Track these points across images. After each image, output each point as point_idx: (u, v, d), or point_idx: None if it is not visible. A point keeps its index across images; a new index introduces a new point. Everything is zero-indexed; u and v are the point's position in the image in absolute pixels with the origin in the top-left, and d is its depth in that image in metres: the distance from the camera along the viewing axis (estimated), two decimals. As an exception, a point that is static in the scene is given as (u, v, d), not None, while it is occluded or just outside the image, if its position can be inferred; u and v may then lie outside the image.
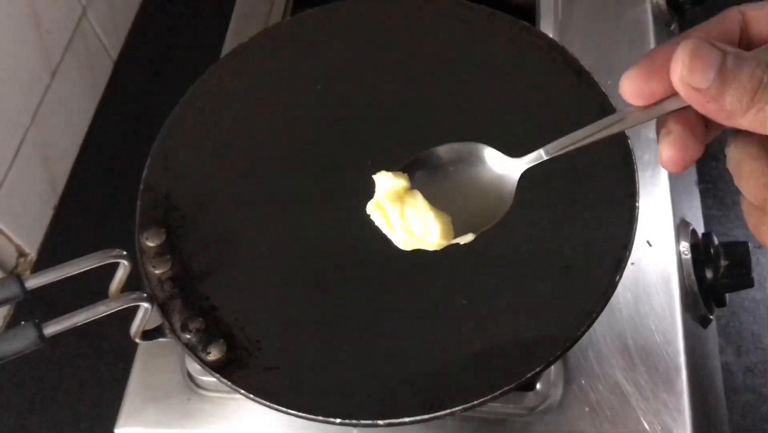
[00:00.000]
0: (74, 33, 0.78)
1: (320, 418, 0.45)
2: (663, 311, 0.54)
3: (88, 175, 0.78)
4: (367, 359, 0.47)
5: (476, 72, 0.58)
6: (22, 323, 0.42)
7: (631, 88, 0.31)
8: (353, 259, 0.51)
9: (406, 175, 0.38)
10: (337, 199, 0.53)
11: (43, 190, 0.75)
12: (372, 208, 0.39)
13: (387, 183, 0.38)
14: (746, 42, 0.32)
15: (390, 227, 0.38)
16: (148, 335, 0.49)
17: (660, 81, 0.31)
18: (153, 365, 0.56)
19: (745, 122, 0.29)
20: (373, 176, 0.39)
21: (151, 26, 0.89)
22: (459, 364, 0.46)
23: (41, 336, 0.41)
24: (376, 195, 0.38)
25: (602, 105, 0.53)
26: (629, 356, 0.52)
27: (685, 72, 0.29)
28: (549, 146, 0.35)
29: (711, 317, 0.58)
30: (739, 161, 0.31)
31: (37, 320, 0.42)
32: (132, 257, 0.46)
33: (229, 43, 0.71)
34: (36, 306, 0.65)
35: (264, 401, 0.45)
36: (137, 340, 0.48)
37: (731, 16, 0.31)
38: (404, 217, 0.38)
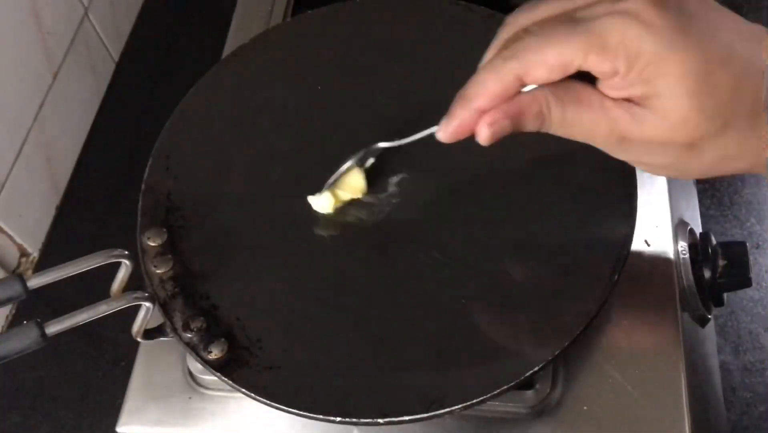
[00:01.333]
0: (76, 34, 0.78)
1: (320, 417, 0.45)
2: (661, 311, 0.54)
3: (90, 176, 0.79)
4: (367, 358, 0.47)
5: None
6: (24, 322, 0.42)
7: (448, 138, 0.40)
8: (354, 258, 0.51)
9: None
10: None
11: (45, 191, 0.75)
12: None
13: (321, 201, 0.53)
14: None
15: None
16: (150, 334, 0.49)
17: (466, 132, 0.40)
18: (154, 364, 0.56)
19: (554, 131, 0.38)
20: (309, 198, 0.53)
21: (153, 27, 0.89)
22: (458, 363, 0.46)
23: (43, 335, 0.42)
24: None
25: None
26: (628, 355, 0.52)
27: (488, 140, 0.39)
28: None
29: (709, 316, 0.58)
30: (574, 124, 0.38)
31: (39, 320, 0.42)
32: (133, 257, 0.47)
33: (230, 44, 0.71)
34: (38, 305, 0.65)
35: (265, 400, 0.46)
36: (139, 339, 0.48)
37: (510, 86, 0.37)
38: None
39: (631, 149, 0.37)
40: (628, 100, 0.36)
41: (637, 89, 0.35)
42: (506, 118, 0.38)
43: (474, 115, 0.38)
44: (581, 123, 0.37)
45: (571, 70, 0.36)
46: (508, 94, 0.38)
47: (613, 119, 0.36)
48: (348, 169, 0.52)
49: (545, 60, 0.36)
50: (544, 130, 0.38)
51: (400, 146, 0.49)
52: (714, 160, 0.37)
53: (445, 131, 0.40)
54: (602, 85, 0.37)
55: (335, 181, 0.52)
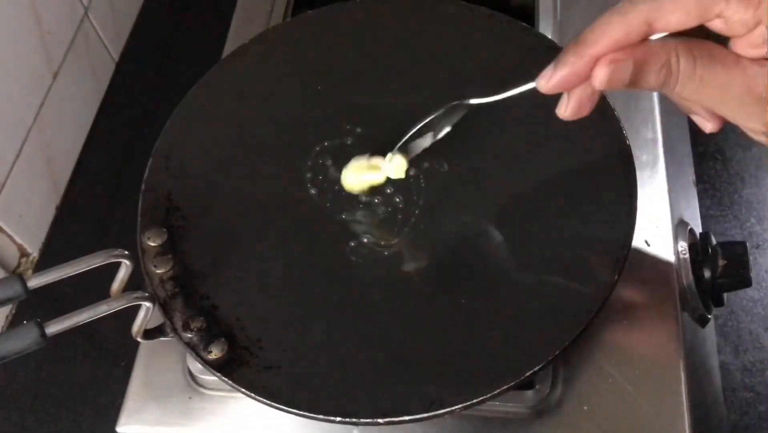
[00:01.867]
0: (76, 34, 0.78)
1: (320, 417, 0.45)
2: (661, 311, 0.54)
3: (90, 175, 0.79)
4: (367, 358, 0.47)
5: (475, 73, 0.58)
6: (24, 322, 0.42)
7: (550, 88, 0.37)
8: (354, 258, 0.51)
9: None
10: (338, 198, 0.53)
11: (45, 190, 0.75)
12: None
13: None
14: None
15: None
16: (150, 334, 0.49)
17: (575, 83, 0.36)
18: (154, 363, 0.56)
19: (676, 95, 0.35)
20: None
21: (153, 27, 0.89)
22: (459, 363, 0.46)
23: (43, 335, 0.42)
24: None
25: (599, 103, 0.54)
26: (628, 355, 0.52)
27: (606, 87, 0.35)
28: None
29: (709, 316, 0.58)
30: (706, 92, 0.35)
31: (39, 319, 0.42)
32: (133, 257, 0.47)
33: (230, 44, 0.71)
34: (38, 305, 0.65)
35: (265, 400, 0.46)
36: (139, 339, 0.48)
37: (635, 30, 0.34)
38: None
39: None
40: (766, 59, 0.34)
41: None
42: (630, 59, 0.34)
43: (588, 63, 0.35)
44: (714, 80, 0.34)
45: (710, 17, 0.33)
46: (632, 41, 0.34)
47: (751, 77, 0.34)
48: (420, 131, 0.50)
49: (682, 1, 0.33)
50: (667, 90, 0.35)
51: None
52: None
53: (549, 79, 0.36)
54: (738, 44, 0.34)
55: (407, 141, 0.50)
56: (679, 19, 0.34)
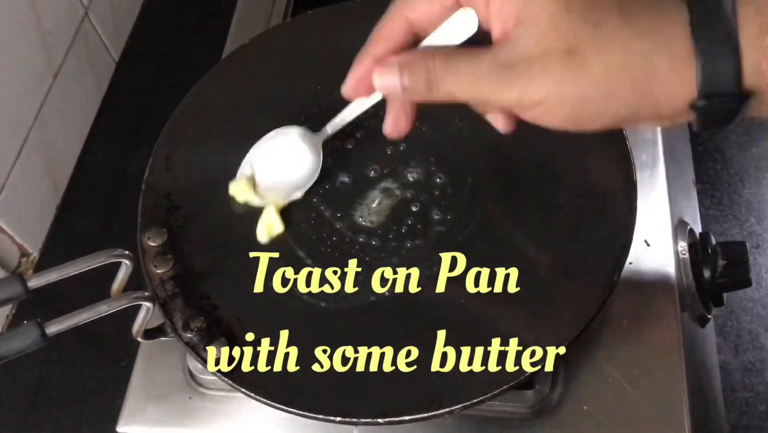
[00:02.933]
0: (76, 34, 0.78)
1: (320, 417, 0.45)
2: (661, 311, 0.54)
3: (90, 176, 0.79)
4: (367, 357, 0.47)
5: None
6: (25, 322, 0.42)
7: (350, 92, 0.42)
8: (353, 258, 0.51)
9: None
10: (338, 199, 0.53)
11: (45, 190, 0.75)
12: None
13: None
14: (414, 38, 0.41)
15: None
16: (150, 334, 0.49)
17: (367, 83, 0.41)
18: (154, 363, 0.56)
19: (440, 97, 0.38)
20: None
21: (153, 27, 0.89)
22: (459, 362, 0.46)
23: (43, 335, 0.42)
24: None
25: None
26: (628, 355, 0.52)
27: (382, 89, 0.40)
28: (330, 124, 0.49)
29: (709, 316, 0.58)
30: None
31: (39, 319, 0.42)
32: (134, 257, 0.47)
33: (231, 44, 0.72)
34: (38, 305, 0.65)
35: (265, 400, 0.46)
36: (139, 339, 0.48)
37: (397, 25, 0.40)
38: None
39: (514, 78, 0.36)
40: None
41: (510, 7, 0.36)
42: (394, 60, 0.39)
43: (370, 65, 0.40)
44: (463, 65, 0.37)
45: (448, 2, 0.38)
46: (400, 39, 0.39)
47: (495, 51, 0.36)
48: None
49: None
50: (436, 91, 0.38)
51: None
52: (604, 75, 0.34)
53: (346, 85, 0.42)
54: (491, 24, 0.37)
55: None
56: (427, 7, 0.39)
